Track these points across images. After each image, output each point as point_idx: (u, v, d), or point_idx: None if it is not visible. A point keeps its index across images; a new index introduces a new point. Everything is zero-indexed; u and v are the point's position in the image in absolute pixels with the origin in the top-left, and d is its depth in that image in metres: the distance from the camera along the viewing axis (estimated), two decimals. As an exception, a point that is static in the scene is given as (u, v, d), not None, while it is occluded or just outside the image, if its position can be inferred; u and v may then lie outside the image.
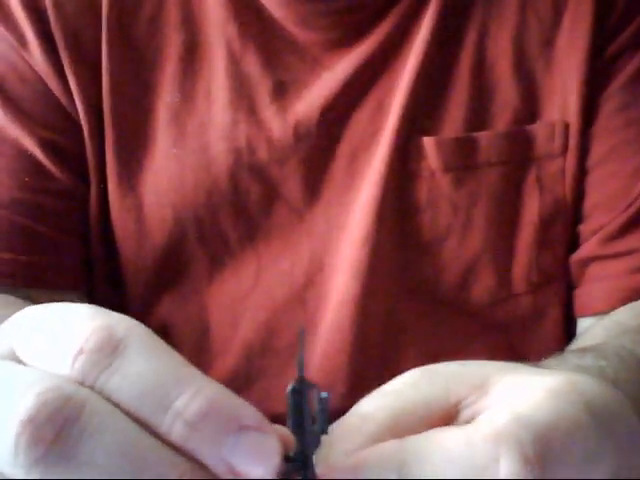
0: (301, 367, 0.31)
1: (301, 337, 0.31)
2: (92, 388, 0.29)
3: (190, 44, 0.67)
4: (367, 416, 0.33)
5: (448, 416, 0.33)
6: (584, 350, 0.54)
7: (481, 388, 0.33)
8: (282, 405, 0.79)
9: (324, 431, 0.31)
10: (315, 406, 0.31)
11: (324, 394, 0.31)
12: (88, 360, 0.29)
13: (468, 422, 0.32)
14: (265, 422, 0.30)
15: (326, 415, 0.31)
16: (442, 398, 0.32)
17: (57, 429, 0.28)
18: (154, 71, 0.67)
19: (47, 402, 0.28)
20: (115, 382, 0.29)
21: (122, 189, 0.67)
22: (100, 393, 0.29)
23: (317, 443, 0.31)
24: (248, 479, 0.28)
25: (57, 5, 0.66)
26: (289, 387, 0.31)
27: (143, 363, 0.29)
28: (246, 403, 0.30)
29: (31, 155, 0.66)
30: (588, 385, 0.32)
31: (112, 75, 0.66)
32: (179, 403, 0.28)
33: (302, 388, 0.31)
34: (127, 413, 0.28)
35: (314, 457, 0.31)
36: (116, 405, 0.29)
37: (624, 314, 0.64)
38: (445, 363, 0.35)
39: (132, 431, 0.28)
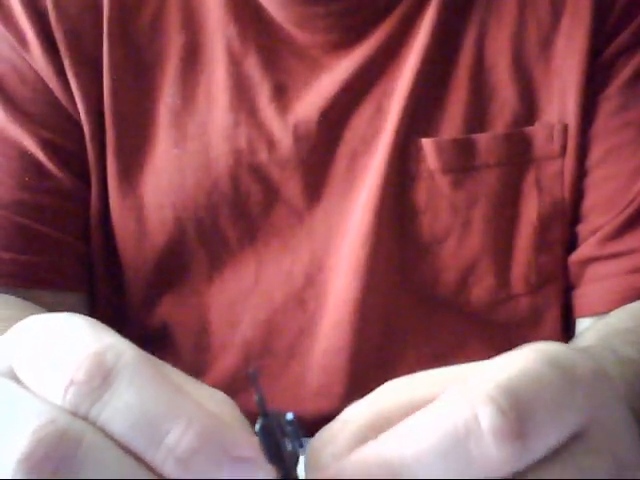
0: (262, 404, 0.31)
1: (254, 377, 0.31)
2: (86, 418, 0.29)
3: (191, 45, 0.67)
4: (349, 419, 0.33)
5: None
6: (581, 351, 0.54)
7: (462, 382, 0.33)
8: (282, 406, 0.80)
9: (301, 445, 0.32)
10: (286, 429, 0.31)
11: (289, 416, 0.32)
12: (78, 392, 0.29)
13: None
14: (257, 450, 0.30)
15: (298, 432, 0.31)
16: (425, 399, 0.33)
17: (54, 466, 0.28)
18: (155, 72, 0.67)
19: (43, 440, 0.28)
20: (107, 414, 0.29)
21: (123, 189, 0.67)
22: (94, 424, 0.29)
23: (296, 461, 0.31)
24: None
25: (58, 6, 0.66)
26: (257, 426, 0.31)
27: (133, 394, 0.29)
28: (238, 431, 0.30)
29: (31, 155, 0.66)
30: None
31: (113, 76, 0.66)
32: (170, 439, 0.28)
33: (270, 422, 0.31)
34: (121, 445, 0.29)
35: (299, 469, 0.31)
36: (111, 436, 0.29)
37: (617, 317, 0.64)
38: (427, 371, 0.35)
39: (128, 466, 0.28)
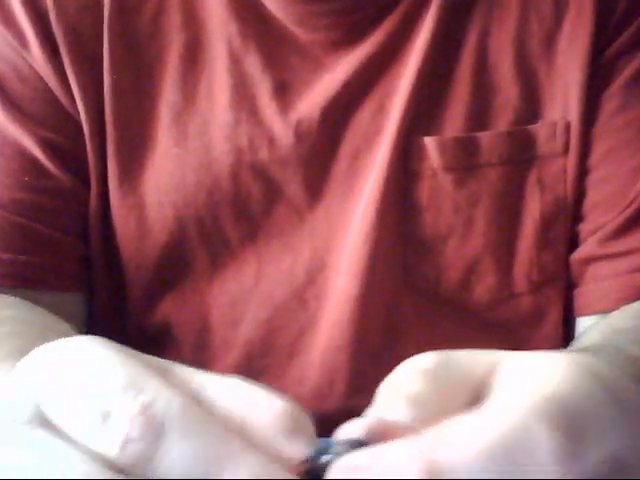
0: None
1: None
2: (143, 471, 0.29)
3: (191, 44, 0.67)
4: (399, 385, 0.34)
5: (474, 397, 0.34)
6: (579, 350, 0.53)
7: (493, 371, 0.34)
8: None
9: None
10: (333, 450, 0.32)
11: (332, 441, 0.32)
12: (135, 449, 0.29)
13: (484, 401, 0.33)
14: None
15: (344, 446, 0.32)
16: (469, 379, 0.33)
17: None
18: (156, 71, 0.67)
19: None
20: (164, 466, 0.29)
21: (123, 188, 0.67)
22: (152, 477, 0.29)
23: None
24: None
25: (58, 5, 0.65)
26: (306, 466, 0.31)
27: (187, 444, 0.29)
28: (287, 474, 0.31)
29: (31, 155, 0.66)
30: (585, 357, 0.33)
31: (114, 74, 0.66)
32: None
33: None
34: None
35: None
36: None
37: (619, 316, 0.64)
38: (453, 351, 0.35)
39: None
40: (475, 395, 0.34)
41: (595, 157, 0.67)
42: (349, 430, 0.32)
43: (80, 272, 0.69)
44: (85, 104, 0.66)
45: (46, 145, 0.66)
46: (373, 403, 0.35)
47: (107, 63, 0.66)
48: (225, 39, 0.66)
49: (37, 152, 0.66)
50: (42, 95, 0.67)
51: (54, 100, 0.67)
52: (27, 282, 0.66)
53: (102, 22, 0.66)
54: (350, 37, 0.66)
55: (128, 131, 0.66)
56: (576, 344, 0.63)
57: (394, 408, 0.33)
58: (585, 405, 0.31)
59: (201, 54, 0.67)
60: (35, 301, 0.66)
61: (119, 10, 0.66)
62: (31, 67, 0.66)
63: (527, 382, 0.32)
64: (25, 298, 0.65)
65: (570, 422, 0.30)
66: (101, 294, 0.70)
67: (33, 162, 0.66)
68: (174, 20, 0.67)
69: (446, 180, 0.66)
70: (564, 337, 0.70)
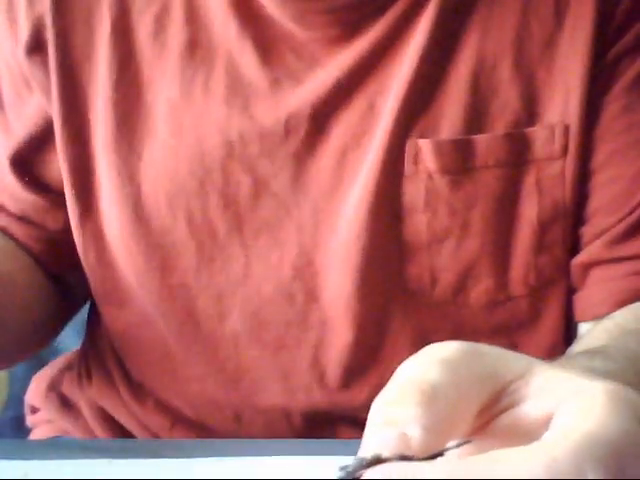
0: None
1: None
2: None
3: (192, 42, 0.68)
4: (415, 377, 0.33)
5: (495, 397, 0.34)
6: (593, 352, 0.53)
7: (523, 377, 0.34)
8: (270, 398, 0.80)
9: None
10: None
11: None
12: None
13: (507, 408, 0.34)
14: None
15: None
16: (493, 378, 0.33)
17: None
18: (156, 67, 0.68)
19: None
20: None
21: (121, 179, 0.68)
22: None
23: None
24: None
25: (56, 7, 0.68)
26: None
27: None
28: None
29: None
30: (632, 395, 0.34)
31: (114, 69, 0.68)
32: None
33: None
34: None
35: None
36: None
37: (623, 317, 0.64)
38: (479, 345, 0.35)
39: None
40: (497, 398, 0.34)
41: (598, 159, 0.67)
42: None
43: (71, 255, 0.72)
44: (64, 105, 0.69)
45: (16, 163, 0.71)
46: (385, 388, 0.34)
47: (109, 57, 0.68)
48: (223, 37, 0.67)
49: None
50: (18, 90, 0.70)
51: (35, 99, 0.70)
52: None
53: (100, 25, 0.68)
54: (346, 35, 0.66)
55: (127, 124, 0.68)
56: (581, 344, 0.62)
57: (407, 398, 0.33)
58: (629, 445, 0.32)
59: (200, 52, 0.67)
60: None
61: (123, 12, 0.68)
62: (18, 64, 0.69)
63: (574, 419, 0.32)
64: None
65: (623, 470, 0.31)
66: (90, 276, 0.73)
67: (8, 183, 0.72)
68: (177, 18, 0.68)
69: (442, 182, 0.66)
70: (563, 341, 0.69)
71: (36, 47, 0.68)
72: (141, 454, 0.57)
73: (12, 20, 0.69)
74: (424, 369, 0.34)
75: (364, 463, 0.31)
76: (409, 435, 0.32)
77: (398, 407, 0.33)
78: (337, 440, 0.66)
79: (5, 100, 0.72)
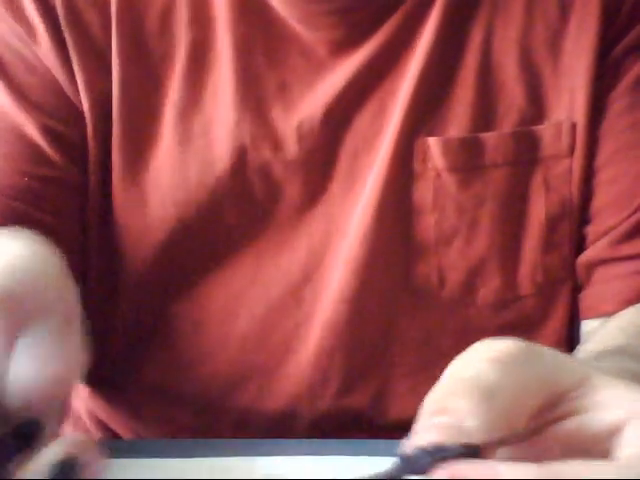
0: None
1: None
2: None
3: (199, 43, 0.67)
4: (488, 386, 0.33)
5: (551, 402, 0.34)
6: (604, 353, 0.54)
7: (582, 386, 0.34)
8: (277, 401, 0.79)
9: None
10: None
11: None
12: None
13: (566, 416, 0.34)
14: None
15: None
16: (551, 382, 0.33)
17: None
18: (163, 68, 0.67)
19: None
20: None
21: (126, 184, 0.67)
22: None
23: None
24: None
25: (67, 0, 0.66)
26: None
27: None
28: None
29: (33, 142, 0.66)
30: None
31: (122, 70, 0.66)
32: None
33: None
34: None
35: None
36: None
37: (636, 315, 0.64)
38: (535, 345, 0.35)
39: None
40: (553, 403, 0.34)
41: (602, 158, 0.67)
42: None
43: (76, 261, 0.69)
44: (90, 98, 0.66)
45: (48, 133, 0.66)
46: (438, 385, 0.34)
47: (115, 58, 0.66)
48: (231, 38, 0.66)
49: (39, 139, 0.66)
50: (48, 85, 0.67)
51: (60, 91, 0.67)
52: None
53: (110, 18, 0.66)
54: (353, 36, 0.66)
55: (133, 127, 0.67)
56: (592, 343, 0.61)
57: (462, 397, 0.32)
58: None
59: (208, 53, 0.67)
60: None
61: (128, 6, 0.66)
62: (39, 59, 0.67)
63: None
64: None
65: None
66: (94, 285, 0.70)
67: (35, 149, 0.67)
68: (182, 18, 0.67)
69: (450, 181, 0.66)
70: (568, 340, 0.69)
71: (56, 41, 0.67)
72: (141, 454, 0.57)
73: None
74: (479, 367, 0.33)
75: (428, 450, 0.31)
76: (467, 425, 0.32)
77: (455, 400, 0.32)
78: (337, 440, 0.65)
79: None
